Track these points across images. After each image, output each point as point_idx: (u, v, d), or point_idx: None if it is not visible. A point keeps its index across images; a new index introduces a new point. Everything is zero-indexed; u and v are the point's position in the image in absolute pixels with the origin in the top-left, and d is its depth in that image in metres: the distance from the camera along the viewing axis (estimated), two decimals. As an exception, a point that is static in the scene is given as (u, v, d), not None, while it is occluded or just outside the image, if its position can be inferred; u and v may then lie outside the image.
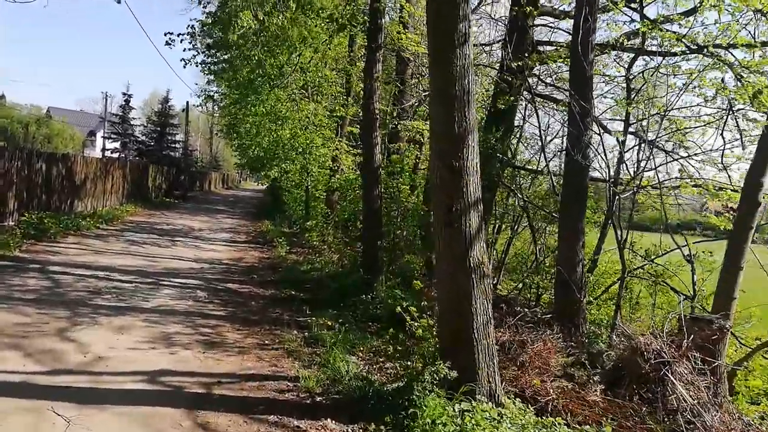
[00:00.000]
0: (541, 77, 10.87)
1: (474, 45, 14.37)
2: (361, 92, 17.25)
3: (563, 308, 8.05)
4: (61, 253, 11.26)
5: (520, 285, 11.39)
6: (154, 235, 16.22)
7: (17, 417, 4.14)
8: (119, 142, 41.29)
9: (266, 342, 6.75)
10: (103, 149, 43.75)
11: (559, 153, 10.70)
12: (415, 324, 5.51)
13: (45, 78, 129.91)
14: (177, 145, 41.37)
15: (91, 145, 57.75)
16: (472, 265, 4.77)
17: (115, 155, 38.57)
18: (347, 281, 10.00)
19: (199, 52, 11.49)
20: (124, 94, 40.15)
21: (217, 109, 30.78)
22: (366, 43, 16.92)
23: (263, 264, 13.21)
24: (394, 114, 15.07)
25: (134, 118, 42.68)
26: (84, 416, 4.23)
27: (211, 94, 18.78)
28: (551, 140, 10.40)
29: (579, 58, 7.59)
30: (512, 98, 9.94)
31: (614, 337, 7.49)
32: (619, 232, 7.31)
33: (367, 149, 9.80)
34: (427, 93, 16.45)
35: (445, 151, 4.83)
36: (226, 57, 11.47)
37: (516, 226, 11.65)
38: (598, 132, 9.29)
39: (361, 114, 18.58)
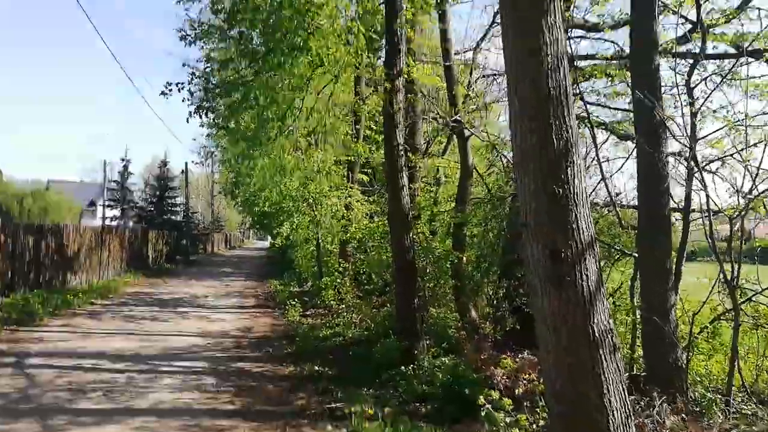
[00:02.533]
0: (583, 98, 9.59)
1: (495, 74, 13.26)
2: (372, 134, 16.14)
3: (657, 368, 6.47)
4: (44, 339, 9.72)
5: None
6: (155, 307, 14.67)
7: None
8: (118, 210, 40.17)
9: (294, 448, 5.16)
10: (103, 218, 42.58)
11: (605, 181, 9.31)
12: (502, 419, 3.94)
13: (47, 150, 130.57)
14: (177, 209, 40.23)
15: (92, 215, 56.83)
16: (596, 335, 3.28)
17: (114, 223, 37.38)
18: (379, 350, 8.43)
19: (194, 102, 10.27)
20: (122, 159, 39.24)
21: (218, 166, 29.74)
22: (370, 78, 15.94)
23: (276, 332, 11.64)
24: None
25: (133, 184, 41.75)
26: None
27: (212, 150, 17.61)
28: (593, 164, 8.99)
29: (642, 64, 6.33)
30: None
31: (734, 402, 5.88)
32: (728, 266, 5.80)
33: (393, 192, 8.42)
34: (441, 129, 15.27)
35: (539, 173, 3.42)
36: (224, 102, 10.31)
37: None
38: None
39: (370, 159, 17.41)
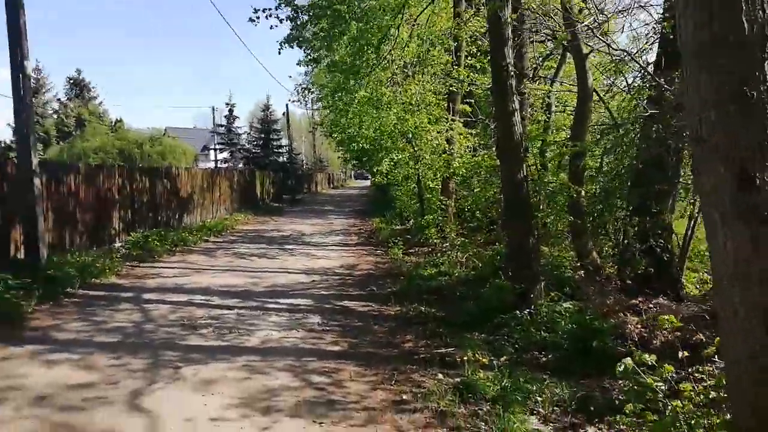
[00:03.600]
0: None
1: None
2: (474, 61, 14.93)
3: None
4: (161, 275, 10.17)
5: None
6: (263, 244, 15.07)
7: None
8: (228, 152, 42.10)
9: (404, 397, 4.76)
10: (216, 160, 44.93)
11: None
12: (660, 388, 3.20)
13: (163, 101, 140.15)
14: (282, 150, 41.38)
15: (206, 158, 60.32)
16: (808, 290, 2.42)
17: (224, 165, 39.27)
18: (489, 292, 7.82)
19: (285, 24, 9.76)
20: (227, 104, 40.75)
21: (316, 107, 29.72)
22: None
23: (380, 270, 11.41)
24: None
25: (239, 128, 43.34)
26: None
27: (309, 87, 17.29)
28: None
29: None
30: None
31: None
32: None
33: (502, 119, 7.53)
34: (555, 47, 13.73)
35: (724, 70, 2.51)
36: (319, 30, 9.76)
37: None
38: None
39: (472, 90, 16.21)
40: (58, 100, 44.76)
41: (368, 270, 11.42)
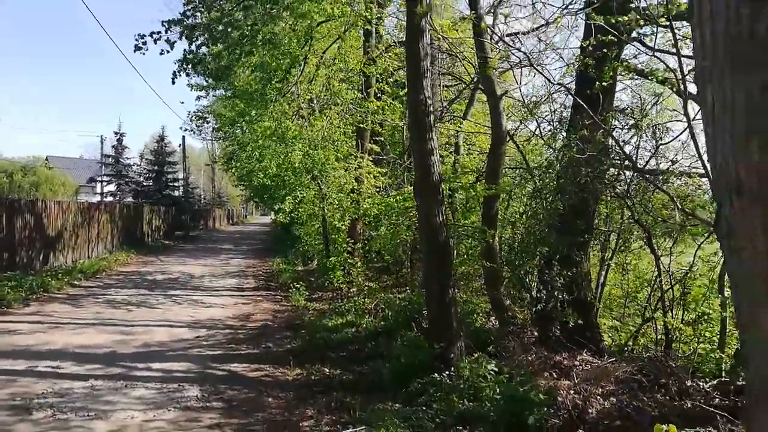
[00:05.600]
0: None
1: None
2: (385, 98, 14.39)
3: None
4: (5, 331, 8.24)
5: (633, 329, 8.14)
6: (143, 289, 13.18)
7: None
8: (115, 185, 38.57)
9: None
10: (101, 193, 41.09)
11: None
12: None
13: (46, 126, 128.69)
14: (177, 184, 38.64)
15: (92, 191, 55.28)
16: None
17: (110, 199, 35.89)
18: (402, 349, 6.88)
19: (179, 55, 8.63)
20: (116, 133, 37.39)
21: (213, 134, 28.01)
22: (380, 38, 14.18)
23: (279, 321, 10.15)
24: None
25: (129, 159, 39.94)
26: None
27: (204, 116, 15.89)
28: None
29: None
30: (612, 71, 6.95)
31: None
32: None
33: (420, 157, 6.78)
34: (467, 85, 13.52)
35: None
36: (211, 52, 8.66)
37: (617, 248, 8.39)
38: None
39: (379, 132, 15.61)
40: None
41: (265, 320, 10.12)
